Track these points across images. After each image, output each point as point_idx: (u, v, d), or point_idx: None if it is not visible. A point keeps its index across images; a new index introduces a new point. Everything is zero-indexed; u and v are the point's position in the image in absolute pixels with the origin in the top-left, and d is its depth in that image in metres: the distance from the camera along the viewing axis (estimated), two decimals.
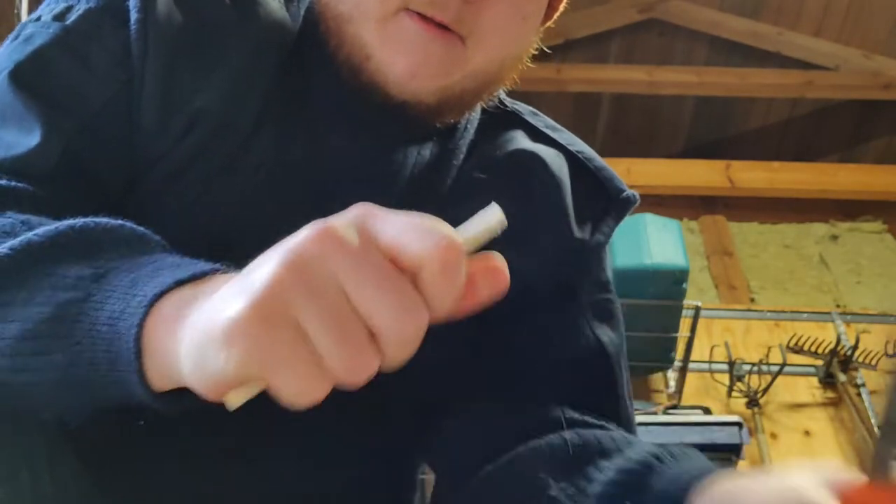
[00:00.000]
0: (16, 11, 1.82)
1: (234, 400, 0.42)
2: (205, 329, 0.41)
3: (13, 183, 0.59)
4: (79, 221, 0.52)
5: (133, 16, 0.65)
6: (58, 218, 0.56)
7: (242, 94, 0.68)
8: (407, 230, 0.42)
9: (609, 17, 3.31)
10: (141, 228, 0.53)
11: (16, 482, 0.57)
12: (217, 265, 0.48)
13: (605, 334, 0.76)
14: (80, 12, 0.66)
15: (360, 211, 0.43)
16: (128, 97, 0.66)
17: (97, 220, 0.52)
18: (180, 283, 0.46)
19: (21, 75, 0.64)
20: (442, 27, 0.63)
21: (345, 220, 0.42)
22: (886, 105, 3.40)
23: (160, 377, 0.46)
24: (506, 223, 0.46)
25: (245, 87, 0.68)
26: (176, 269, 0.47)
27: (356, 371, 0.40)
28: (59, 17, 0.66)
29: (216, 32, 0.68)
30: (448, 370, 0.72)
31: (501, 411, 0.73)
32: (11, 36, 0.68)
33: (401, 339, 0.41)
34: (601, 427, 0.71)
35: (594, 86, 3.36)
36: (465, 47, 0.64)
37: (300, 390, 0.40)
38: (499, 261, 0.45)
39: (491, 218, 0.45)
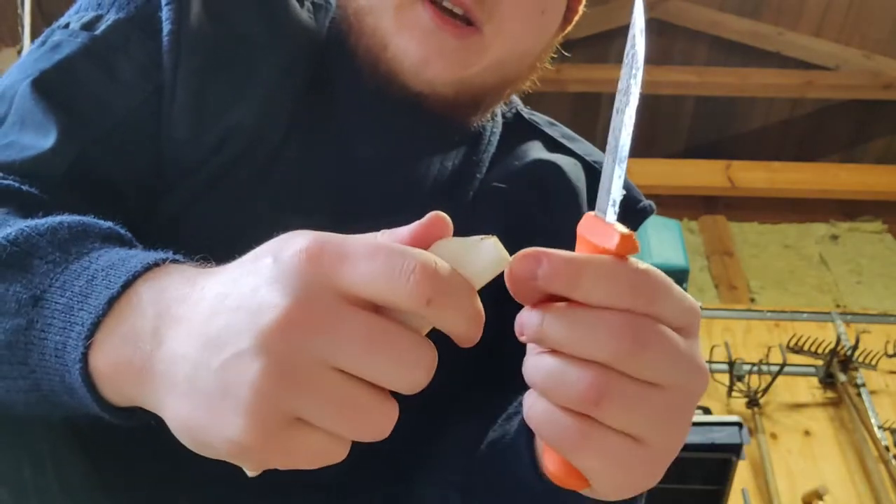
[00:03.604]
0: (18, 11, 1.82)
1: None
2: (201, 434, 0.41)
3: (17, 185, 0.59)
4: (14, 230, 0.50)
5: (165, 27, 0.65)
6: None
7: (275, 108, 0.69)
8: (380, 270, 0.38)
9: (609, 17, 3.31)
10: (81, 220, 0.52)
11: (19, 481, 0.57)
12: (148, 258, 0.46)
13: None
14: (109, 23, 0.66)
15: (323, 253, 0.39)
16: (154, 108, 0.66)
17: (33, 224, 0.51)
18: (113, 301, 0.44)
19: (45, 84, 0.64)
20: (460, 20, 0.64)
21: (311, 284, 0.39)
22: (886, 105, 3.40)
23: (129, 402, 0.45)
24: (507, 258, 0.43)
25: (277, 101, 0.69)
26: (108, 276, 0.46)
27: (371, 432, 0.40)
28: (88, 26, 0.66)
29: (248, 46, 0.68)
30: (452, 371, 0.72)
31: (492, 409, 0.73)
32: (38, 41, 0.68)
33: (410, 384, 0.40)
34: None
35: (594, 86, 3.36)
36: (482, 35, 0.65)
37: (320, 461, 0.41)
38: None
39: (490, 250, 0.43)
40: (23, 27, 1.79)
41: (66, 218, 0.51)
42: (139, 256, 0.46)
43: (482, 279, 0.42)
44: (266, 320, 0.38)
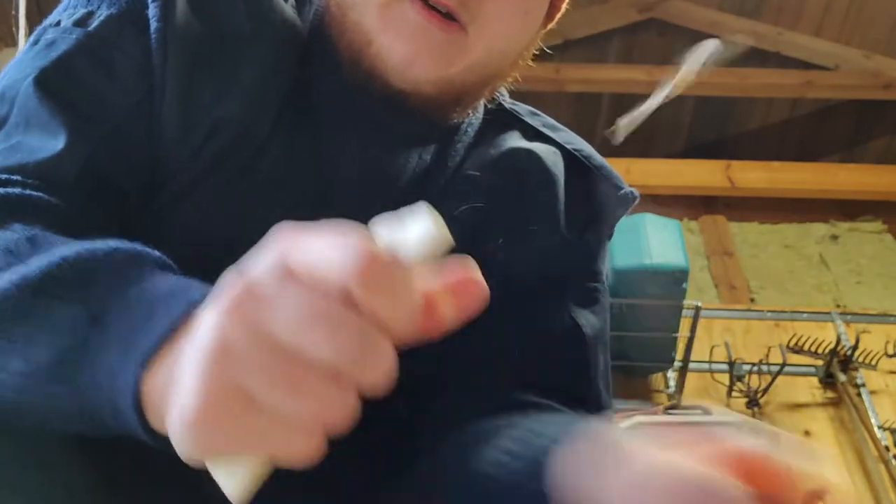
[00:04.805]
0: (14, 12, 1.82)
1: (225, 480, 0.41)
2: (172, 420, 0.40)
3: (27, 192, 0.58)
4: (72, 251, 0.50)
5: (152, 25, 0.65)
6: (72, 228, 0.56)
7: (260, 103, 0.69)
8: (327, 252, 0.38)
9: (609, 17, 3.31)
10: (135, 247, 0.52)
11: (27, 486, 0.57)
12: (205, 290, 0.46)
13: (584, 318, 0.76)
14: (101, 18, 0.66)
15: (279, 246, 0.40)
16: (149, 106, 0.65)
17: (89, 247, 0.51)
18: (174, 328, 0.44)
19: (46, 82, 0.63)
20: (445, 16, 0.63)
21: (261, 266, 0.40)
22: (886, 105, 3.39)
23: (163, 429, 0.45)
24: (446, 236, 0.40)
25: (263, 96, 0.69)
26: (169, 304, 0.46)
27: (327, 419, 0.38)
28: (80, 22, 0.66)
29: (234, 42, 0.68)
30: (425, 358, 0.72)
31: (466, 398, 0.72)
32: (31, 41, 0.68)
33: (362, 369, 0.38)
34: (554, 410, 0.71)
35: (593, 86, 3.36)
36: (466, 35, 0.65)
37: (288, 453, 0.39)
38: (470, 272, 0.41)
39: (426, 223, 0.39)
40: (17, 27, 1.79)
41: (120, 243, 0.51)
42: (195, 286, 0.47)
43: (418, 254, 0.39)
44: (218, 306, 0.39)
